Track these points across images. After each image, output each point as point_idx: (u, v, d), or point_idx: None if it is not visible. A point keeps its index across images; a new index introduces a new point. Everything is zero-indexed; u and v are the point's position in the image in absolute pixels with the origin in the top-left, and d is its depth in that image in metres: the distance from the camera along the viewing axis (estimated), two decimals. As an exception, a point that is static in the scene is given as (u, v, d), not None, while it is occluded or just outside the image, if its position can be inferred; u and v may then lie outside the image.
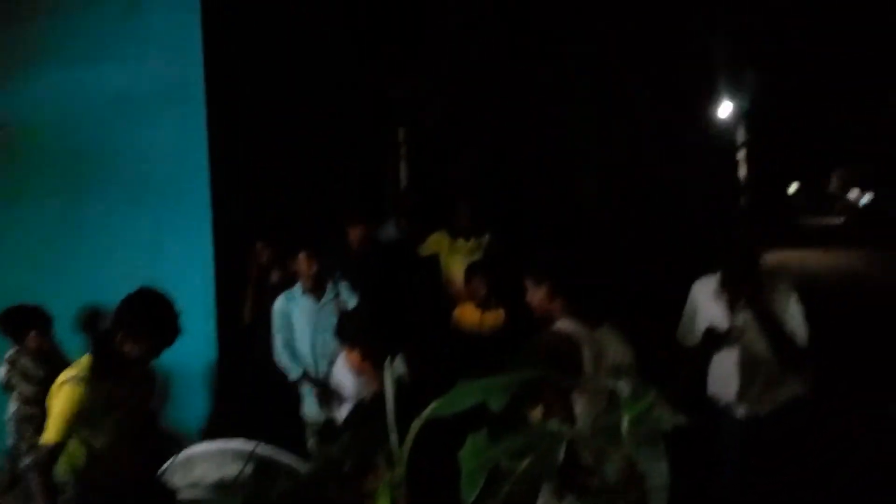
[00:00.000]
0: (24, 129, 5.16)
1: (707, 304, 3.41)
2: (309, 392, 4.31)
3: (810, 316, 3.30)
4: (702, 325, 3.41)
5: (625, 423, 1.37)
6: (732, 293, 3.29)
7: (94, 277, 4.92)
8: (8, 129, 5.21)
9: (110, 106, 4.96)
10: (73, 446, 2.87)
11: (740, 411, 3.38)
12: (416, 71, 6.77)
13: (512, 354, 4.25)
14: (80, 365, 2.93)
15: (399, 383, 2.34)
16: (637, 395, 1.41)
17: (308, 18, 5.78)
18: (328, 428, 4.20)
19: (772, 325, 3.21)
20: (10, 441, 4.34)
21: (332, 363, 4.05)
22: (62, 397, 2.80)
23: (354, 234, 5.03)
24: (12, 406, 4.30)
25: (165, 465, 2.72)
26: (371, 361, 2.73)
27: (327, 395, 4.04)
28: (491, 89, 6.79)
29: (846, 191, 40.79)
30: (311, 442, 4.34)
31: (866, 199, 33.67)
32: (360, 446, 1.79)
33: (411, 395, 2.31)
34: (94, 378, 2.86)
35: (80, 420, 2.81)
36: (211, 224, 4.78)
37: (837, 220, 35.80)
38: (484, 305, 4.82)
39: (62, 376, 2.88)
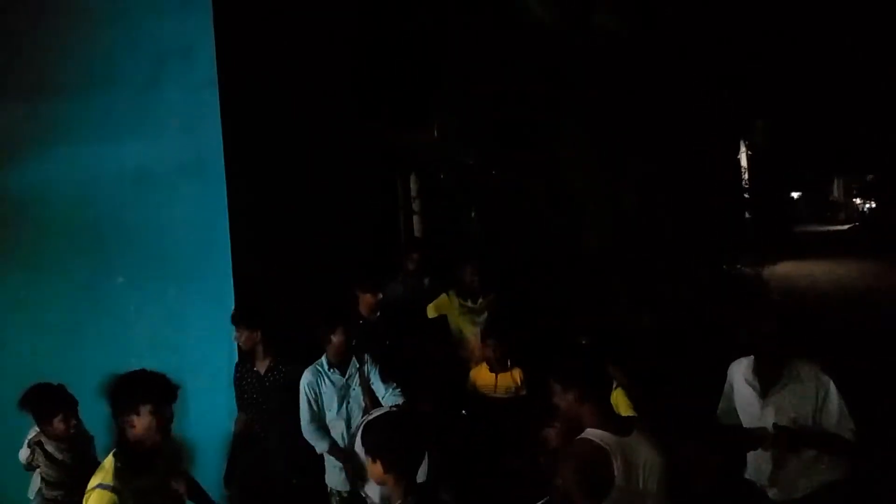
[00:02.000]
0: (44, 202, 5.27)
1: (742, 387, 3.54)
2: (335, 461, 4.41)
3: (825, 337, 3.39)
4: (737, 406, 3.56)
5: None
6: (764, 380, 3.42)
7: (118, 350, 5.03)
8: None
9: (130, 180, 5.11)
10: None
11: (773, 495, 3.47)
12: (428, 127, 6.92)
13: (527, 418, 4.37)
14: (104, 468, 2.98)
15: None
16: None
17: (322, 85, 5.94)
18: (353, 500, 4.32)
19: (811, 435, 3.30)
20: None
21: (353, 436, 4.16)
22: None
23: (365, 300, 5.17)
24: (35, 484, 4.29)
25: None
26: (394, 474, 2.71)
27: (356, 467, 4.14)
28: (502, 145, 6.92)
29: (849, 199, 40.87)
30: None
31: (869, 206, 33.76)
32: None
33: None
34: (120, 481, 2.91)
35: None
36: (233, 296, 4.91)
37: (842, 227, 35.81)
38: (498, 368, 4.94)
39: (91, 480, 2.95)
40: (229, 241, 4.96)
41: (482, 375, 4.99)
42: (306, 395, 4.40)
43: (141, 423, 2.96)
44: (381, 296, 5.23)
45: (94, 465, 3.76)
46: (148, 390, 2.99)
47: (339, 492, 4.43)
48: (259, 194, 5.21)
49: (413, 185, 7.58)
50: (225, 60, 5.00)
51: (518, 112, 7.01)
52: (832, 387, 3.35)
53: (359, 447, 4.00)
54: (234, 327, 4.57)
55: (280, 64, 5.51)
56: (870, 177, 34.33)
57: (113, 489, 2.88)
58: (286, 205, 5.44)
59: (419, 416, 4.05)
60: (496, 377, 4.94)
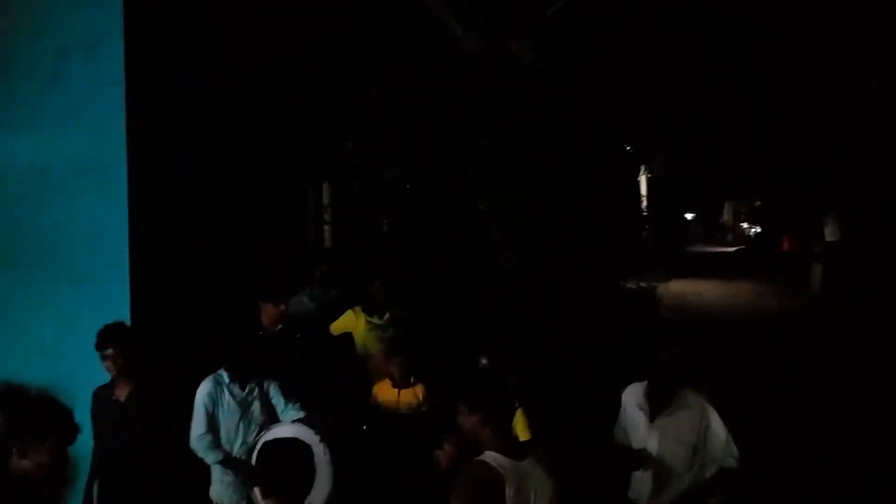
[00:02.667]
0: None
1: (632, 410, 3.75)
2: (221, 474, 4.34)
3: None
4: (627, 428, 3.76)
5: None
6: (654, 405, 3.64)
7: (4, 354, 4.79)
8: None
9: (24, 176, 4.88)
10: None
11: None
12: (343, 137, 6.92)
13: (427, 433, 4.45)
14: None
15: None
16: None
17: (234, 89, 5.83)
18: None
19: None
20: None
21: (249, 452, 4.11)
22: None
23: (269, 310, 5.11)
24: None
25: None
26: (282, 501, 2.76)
27: (251, 476, 4.07)
28: (419, 159, 7.02)
29: (738, 223, 43.51)
30: None
31: (755, 230, 36.06)
32: None
33: None
34: None
35: None
36: (129, 301, 4.76)
37: (730, 249, 38.00)
38: (401, 384, 5.00)
39: None
40: (127, 244, 4.79)
41: (385, 391, 5.03)
42: (204, 405, 4.28)
43: (35, 458, 2.84)
44: (283, 307, 5.16)
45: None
46: (54, 424, 2.87)
47: None
48: (162, 198, 5.05)
49: (325, 195, 7.55)
50: (133, 58, 4.83)
51: (436, 128, 7.12)
52: (715, 417, 3.59)
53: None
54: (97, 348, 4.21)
55: (191, 64, 5.37)
56: (757, 203, 36.60)
57: None
58: (190, 209, 5.30)
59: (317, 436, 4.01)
60: (399, 393, 4.99)
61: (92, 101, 4.83)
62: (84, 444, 4.06)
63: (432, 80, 7.01)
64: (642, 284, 14.28)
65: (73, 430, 2.94)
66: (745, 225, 41.15)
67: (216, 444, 4.29)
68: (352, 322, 5.73)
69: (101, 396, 4.32)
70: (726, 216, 48.72)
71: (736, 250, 36.59)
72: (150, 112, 4.96)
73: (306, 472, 2.88)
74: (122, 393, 4.30)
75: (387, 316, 5.71)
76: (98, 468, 4.32)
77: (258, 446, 3.96)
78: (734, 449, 3.61)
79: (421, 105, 7.20)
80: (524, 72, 7.44)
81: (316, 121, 6.80)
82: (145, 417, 4.25)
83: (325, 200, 7.54)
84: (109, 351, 4.19)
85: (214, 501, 4.38)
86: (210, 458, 4.29)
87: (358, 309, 5.73)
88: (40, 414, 2.91)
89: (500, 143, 7.05)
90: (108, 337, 4.21)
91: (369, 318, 5.69)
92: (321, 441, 3.83)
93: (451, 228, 7.28)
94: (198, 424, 4.28)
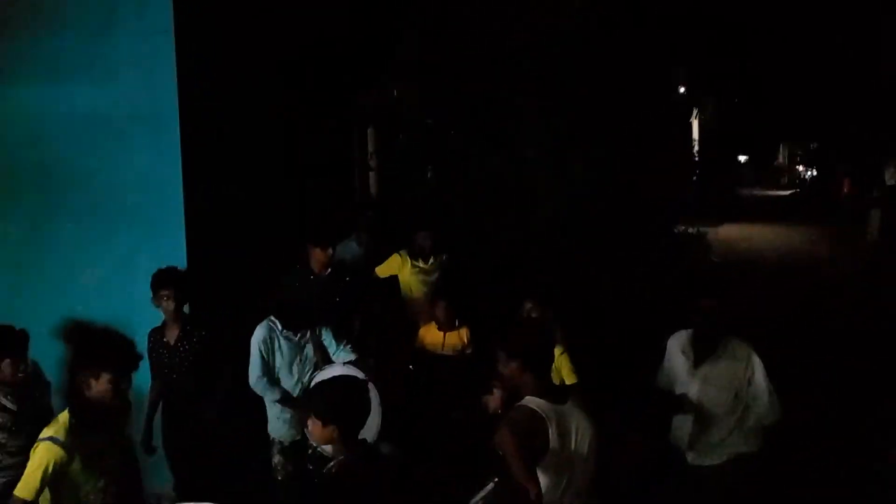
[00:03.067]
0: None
1: (677, 357, 3.80)
2: (279, 412, 4.54)
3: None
4: (670, 374, 3.82)
5: None
6: (699, 353, 3.67)
7: (65, 295, 5.03)
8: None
9: (82, 124, 5.00)
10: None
11: (691, 459, 3.74)
12: (391, 82, 6.90)
13: (471, 375, 4.56)
14: (58, 422, 3.05)
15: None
16: None
17: (282, 36, 5.84)
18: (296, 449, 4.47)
19: None
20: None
21: (306, 391, 4.29)
22: (37, 455, 2.96)
23: (317, 255, 5.21)
24: None
25: None
26: (339, 434, 2.84)
27: (306, 412, 4.25)
28: (465, 108, 6.97)
29: (793, 166, 42.10)
30: (276, 459, 4.58)
31: (810, 173, 34.91)
32: None
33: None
34: (71, 438, 2.98)
35: (58, 481, 2.96)
36: (185, 244, 4.92)
37: (784, 193, 36.94)
38: (446, 327, 5.11)
39: (44, 431, 3.03)
40: (182, 189, 4.92)
41: (431, 334, 5.15)
42: (259, 350, 4.45)
43: (98, 387, 3.02)
44: (331, 251, 5.26)
45: (47, 412, 3.83)
46: (111, 358, 3.04)
47: (280, 441, 4.55)
48: (213, 143, 5.15)
49: (370, 143, 7.57)
50: (181, 6, 4.88)
51: (478, 80, 7.04)
52: (760, 368, 3.61)
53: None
54: (153, 292, 4.40)
55: (238, 11, 5.40)
56: (814, 145, 35.33)
57: (63, 445, 2.96)
58: (241, 154, 5.40)
59: (367, 377, 4.13)
60: (444, 336, 5.10)
61: (142, 50, 4.91)
62: (144, 380, 4.32)
63: (474, 28, 6.90)
64: (691, 230, 14.05)
65: (130, 363, 3.11)
66: (800, 168, 39.83)
67: (273, 383, 4.47)
68: (397, 265, 5.83)
69: (154, 338, 4.53)
70: (781, 158, 47.20)
71: (790, 194, 35.59)
72: (199, 59, 5.01)
73: (363, 405, 3.00)
74: (171, 335, 4.50)
75: (431, 261, 5.79)
76: (155, 404, 4.58)
77: (314, 384, 4.17)
78: (777, 403, 3.63)
79: (463, 54, 7.10)
80: (568, 14, 7.25)
81: (361, 67, 6.79)
82: (192, 360, 4.46)
83: (371, 148, 7.57)
84: (164, 293, 4.38)
85: (272, 437, 4.59)
86: (269, 396, 4.49)
87: (404, 253, 5.82)
88: (100, 347, 3.10)
89: (542, 88, 6.94)
90: (163, 281, 4.40)
91: (414, 262, 5.78)
92: (370, 381, 4.01)
93: (494, 176, 7.25)
94: (254, 367, 4.46)
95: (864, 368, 7.51)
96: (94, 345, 3.12)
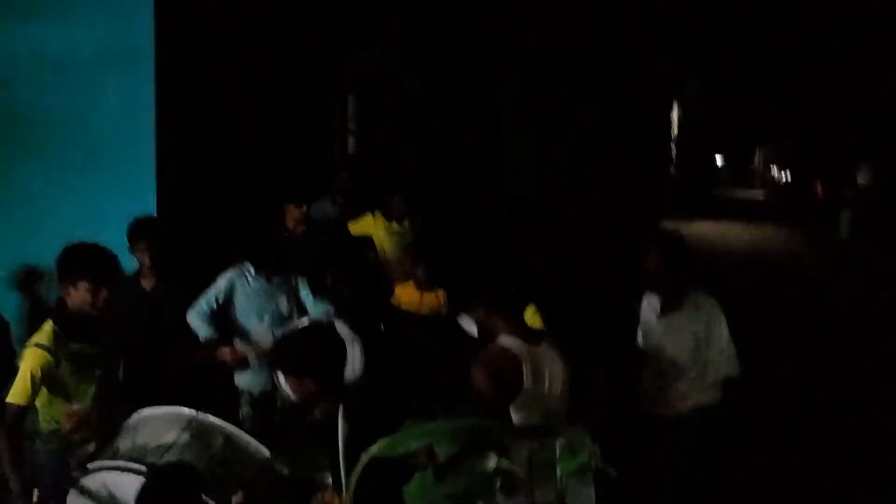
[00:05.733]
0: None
1: (647, 312, 3.86)
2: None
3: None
4: (640, 327, 3.87)
5: (559, 472, 1.59)
6: (666, 305, 3.72)
7: (30, 241, 4.86)
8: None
9: (51, 64, 4.84)
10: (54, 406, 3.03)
11: (653, 408, 3.76)
12: (370, 45, 6.81)
13: (448, 338, 4.51)
14: (44, 329, 3.06)
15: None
16: (573, 447, 1.62)
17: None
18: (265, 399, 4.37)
19: None
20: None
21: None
22: (26, 360, 2.97)
23: (292, 212, 5.13)
24: None
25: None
26: (319, 389, 2.65)
27: (269, 357, 4.13)
28: (442, 77, 6.92)
29: (768, 168, 42.70)
30: (244, 410, 4.46)
31: (786, 176, 35.44)
32: (308, 468, 1.93)
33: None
34: (57, 342, 3.01)
35: (48, 385, 2.99)
36: (156, 191, 4.79)
37: (759, 194, 37.46)
38: (425, 287, 5.04)
39: (32, 338, 3.05)
40: (154, 138, 4.79)
41: (408, 293, 5.07)
42: (218, 287, 4.32)
43: (76, 295, 3.03)
44: (305, 208, 5.18)
45: (8, 352, 3.75)
46: (85, 266, 3.03)
47: (249, 392, 4.44)
48: (190, 93, 5.02)
49: (351, 106, 7.48)
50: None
51: (457, 48, 7.00)
52: (722, 322, 3.65)
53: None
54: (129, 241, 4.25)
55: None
56: (789, 148, 35.86)
57: (48, 349, 2.99)
58: (217, 108, 5.27)
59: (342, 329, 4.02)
60: (422, 295, 5.04)
61: (118, -10, 4.77)
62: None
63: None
64: (663, 224, 14.17)
65: (109, 271, 3.09)
66: (775, 169, 40.39)
67: (210, 320, 4.29)
68: (370, 225, 5.79)
69: (126, 286, 4.35)
70: (757, 161, 47.82)
71: (765, 194, 36.07)
72: (179, 6, 4.89)
73: (336, 351, 2.84)
74: (148, 283, 4.35)
75: (406, 223, 5.75)
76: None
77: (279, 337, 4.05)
78: (735, 358, 3.67)
79: (443, 25, 7.05)
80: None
81: (343, 30, 6.69)
82: (171, 309, 4.34)
83: (351, 111, 7.49)
84: (142, 244, 4.23)
85: (241, 388, 4.47)
86: (202, 331, 4.29)
87: (378, 213, 5.78)
88: (77, 255, 3.07)
89: (519, 69, 6.94)
90: (142, 229, 4.25)
91: (388, 224, 5.73)
92: (350, 330, 3.89)
93: (469, 148, 7.23)
94: (202, 301, 4.31)
95: (829, 352, 7.84)
96: (72, 253, 3.08)
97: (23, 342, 3.26)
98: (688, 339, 3.64)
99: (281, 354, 2.87)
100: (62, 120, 4.84)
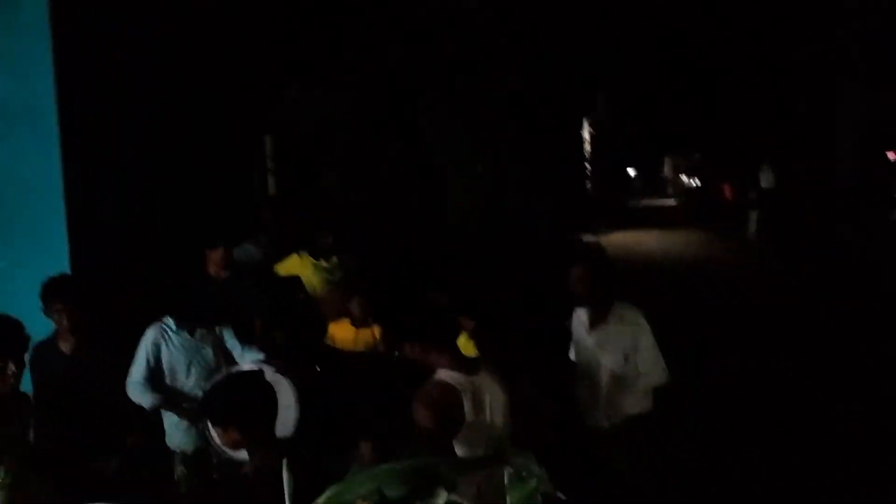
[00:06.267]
0: None
1: (577, 327, 3.97)
2: (177, 421, 4.27)
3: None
4: (573, 343, 3.96)
5: (508, 500, 1.62)
6: (594, 319, 3.84)
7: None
8: None
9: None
10: None
11: (588, 420, 3.86)
12: (287, 86, 6.79)
13: (384, 373, 4.49)
14: None
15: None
16: (521, 473, 1.65)
17: (172, 33, 5.63)
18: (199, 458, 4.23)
19: None
20: None
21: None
22: None
23: (214, 258, 5.04)
24: None
25: None
26: (249, 438, 2.64)
27: (197, 414, 4.02)
28: (362, 110, 6.96)
29: (677, 176, 44.53)
30: (178, 470, 4.32)
31: (694, 183, 37.02)
32: None
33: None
34: None
35: None
36: (68, 253, 4.62)
37: (670, 202, 38.90)
38: (360, 323, 5.03)
39: None
40: (63, 196, 4.62)
41: (343, 330, 5.05)
42: (146, 351, 4.19)
43: None
44: (226, 251, 5.08)
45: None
46: (5, 342, 2.94)
47: (183, 451, 4.30)
48: (99, 146, 4.88)
49: (269, 145, 7.41)
50: (57, 2, 4.63)
51: (382, 81, 7.07)
52: (647, 331, 3.77)
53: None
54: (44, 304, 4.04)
55: (124, 9, 5.17)
56: (695, 156, 37.48)
57: None
58: (129, 157, 5.14)
59: (273, 376, 3.93)
60: (356, 332, 5.02)
61: (16, 49, 4.61)
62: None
63: (382, 37, 6.95)
64: (584, 236, 14.57)
65: (15, 346, 3.01)
66: (684, 178, 42.11)
67: (151, 388, 4.17)
68: (297, 265, 5.72)
69: (44, 350, 4.15)
70: (666, 170, 49.75)
71: (676, 202, 37.48)
72: (78, 56, 4.75)
73: (264, 398, 2.78)
74: (66, 346, 4.16)
75: (334, 259, 5.71)
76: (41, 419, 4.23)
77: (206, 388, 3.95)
78: (663, 365, 3.79)
79: (370, 60, 7.11)
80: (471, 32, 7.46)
81: (259, 67, 6.66)
82: (94, 369, 4.14)
83: (269, 150, 7.42)
84: (59, 305, 4.02)
85: (175, 450, 4.33)
86: (145, 401, 4.16)
87: (304, 253, 5.71)
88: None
89: (447, 100, 7.08)
90: (57, 291, 4.03)
91: (316, 262, 5.68)
92: (284, 374, 3.84)
93: (399, 179, 7.28)
94: (135, 370, 4.18)
95: (744, 346, 8.24)
96: None
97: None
98: (617, 353, 3.74)
99: (205, 405, 2.89)
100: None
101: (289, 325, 5.23)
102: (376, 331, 5.04)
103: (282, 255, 5.80)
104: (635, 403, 3.76)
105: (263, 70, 6.74)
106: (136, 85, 5.24)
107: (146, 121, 5.33)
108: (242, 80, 6.55)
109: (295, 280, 5.68)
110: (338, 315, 5.13)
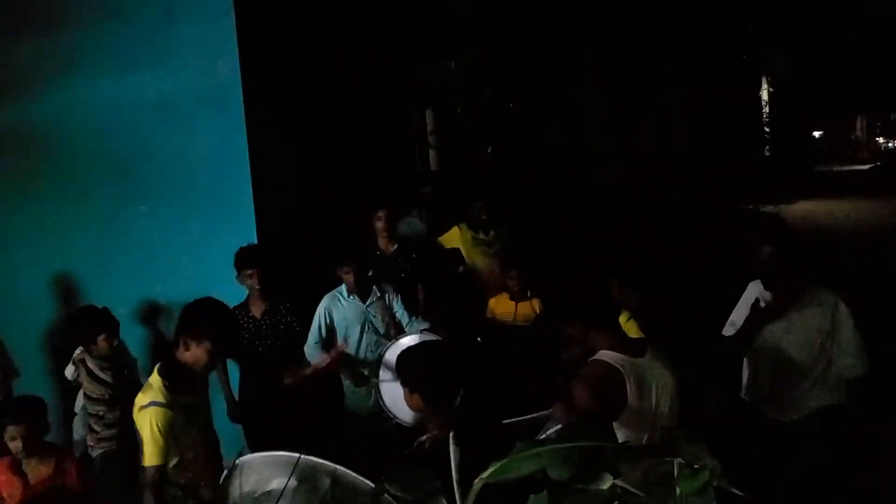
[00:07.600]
0: (66, 133, 5.31)
1: (748, 306, 3.62)
2: (352, 385, 4.55)
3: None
4: (745, 323, 3.61)
5: (678, 491, 1.53)
6: (777, 299, 3.49)
7: (142, 278, 5.16)
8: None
9: (150, 111, 5.12)
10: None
11: (771, 413, 3.57)
12: (445, 58, 6.87)
13: (545, 346, 4.45)
14: (153, 386, 3.12)
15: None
16: (692, 465, 1.55)
17: (340, 17, 5.88)
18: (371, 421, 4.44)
19: None
20: (78, 434, 4.66)
21: (379, 361, 4.28)
22: (150, 421, 3.02)
23: (380, 227, 5.24)
24: (79, 401, 4.58)
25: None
26: (433, 405, 2.69)
27: (378, 388, 4.25)
28: (519, 84, 6.89)
29: (872, 137, 40.17)
30: (352, 432, 4.56)
31: (892, 145, 33.23)
32: (421, 494, 1.91)
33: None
34: (170, 398, 3.09)
35: (171, 440, 3.06)
36: (255, 224, 4.99)
37: (863, 167, 35.27)
38: (519, 296, 5.03)
39: (141, 398, 3.10)
40: (249, 170, 4.99)
41: (502, 304, 5.09)
42: (319, 317, 4.51)
43: (194, 353, 3.13)
44: (392, 223, 5.28)
45: (134, 385, 3.98)
46: (212, 327, 3.13)
47: (357, 414, 4.56)
48: (278, 124, 5.23)
49: (429, 119, 7.56)
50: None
51: (535, 49, 6.95)
52: (848, 318, 3.41)
53: (385, 372, 4.13)
54: (237, 270, 4.52)
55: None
56: (894, 115, 33.59)
57: (166, 405, 3.06)
58: (305, 135, 5.46)
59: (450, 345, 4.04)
60: (516, 306, 5.03)
61: (205, 35, 4.99)
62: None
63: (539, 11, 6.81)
64: (762, 207, 13.49)
65: (229, 336, 3.23)
66: (881, 140, 37.97)
67: (326, 352, 4.45)
68: (457, 237, 5.80)
69: (239, 313, 4.58)
70: (859, 131, 45.06)
71: (870, 168, 33.91)
72: (261, 41, 5.09)
73: (448, 370, 2.81)
74: (257, 310, 4.60)
75: (492, 232, 5.74)
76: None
77: (386, 353, 4.14)
78: (864, 356, 3.42)
79: (515, 24, 7.01)
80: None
81: (417, 45, 6.78)
82: (280, 333, 4.57)
83: (430, 125, 7.56)
84: (248, 271, 4.48)
85: (349, 411, 4.61)
86: (320, 364, 4.42)
87: (463, 225, 5.79)
88: (206, 315, 3.17)
89: (599, 58, 6.80)
90: (246, 259, 4.50)
91: (475, 235, 5.74)
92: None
93: (551, 147, 7.15)
94: (311, 334, 4.53)
95: None
96: (199, 312, 3.17)
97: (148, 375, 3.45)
98: (811, 341, 3.43)
99: (400, 365, 2.92)
100: (164, 163, 5.12)
101: (450, 298, 5.33)
102: (535, 304, 5.02)
103: (443, 228, 5.92)
104: (829, 395, 3.46)
105: (426, 47, 6.85)
106: (312, 68, 5.53)
107: (320, 101, 5.63)
108: (405, 57, 6.70)
109: (456, 252, 5.78)
110: (497, 289, 5.16)
